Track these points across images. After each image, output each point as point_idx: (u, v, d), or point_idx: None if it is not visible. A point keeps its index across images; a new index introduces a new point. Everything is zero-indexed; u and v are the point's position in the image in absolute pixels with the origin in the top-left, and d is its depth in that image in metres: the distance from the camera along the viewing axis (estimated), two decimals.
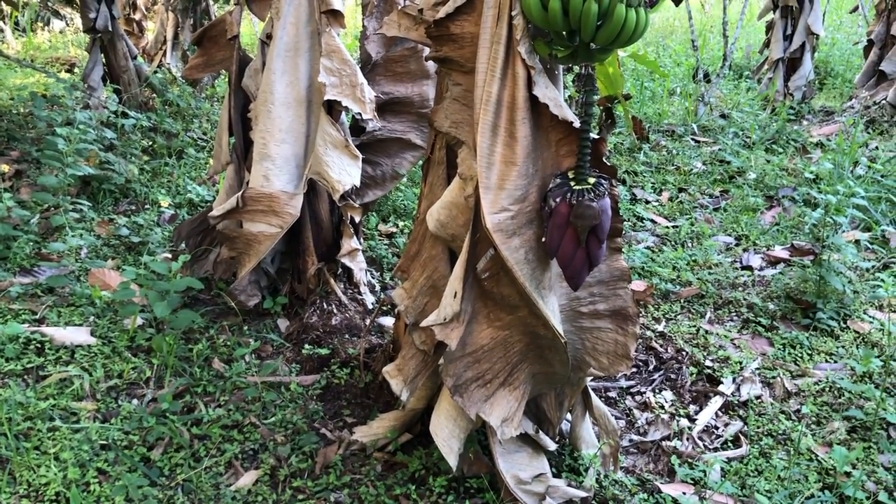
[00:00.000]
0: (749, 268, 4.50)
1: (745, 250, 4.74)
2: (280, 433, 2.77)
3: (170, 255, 3.89)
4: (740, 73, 10.03)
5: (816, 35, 8.46)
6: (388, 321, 3.48)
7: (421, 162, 3.90)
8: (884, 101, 8.07)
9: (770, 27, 8.74)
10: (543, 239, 2.11)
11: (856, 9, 10.92)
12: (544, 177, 2.13)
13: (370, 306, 3.65)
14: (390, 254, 4.29)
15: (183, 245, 3.76)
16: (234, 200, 3.29)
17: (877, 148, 6.89)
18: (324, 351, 3.22)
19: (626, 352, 2.38)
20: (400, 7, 2.38)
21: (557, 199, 2.03)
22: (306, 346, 3.29)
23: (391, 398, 2.94)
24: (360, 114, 3.25)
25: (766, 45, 8.90)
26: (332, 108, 3.33)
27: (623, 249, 4.31)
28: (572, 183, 2.05)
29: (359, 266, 3.53)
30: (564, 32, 1.98)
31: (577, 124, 2.06)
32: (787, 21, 8.47)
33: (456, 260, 2.41)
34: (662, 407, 3.14)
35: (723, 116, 7.71)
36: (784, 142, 6.99)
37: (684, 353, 3.50)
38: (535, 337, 2.27)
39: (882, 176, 5.72)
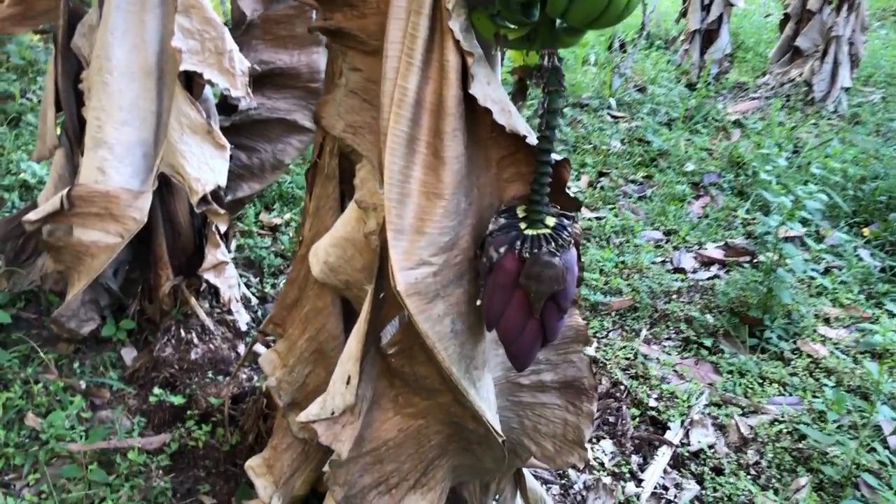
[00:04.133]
0: (681, 270, 4.01)
1: (675, 248, 4.26)
2: None
3: None
4: (651, 43, 9.61)
5: (732, 6, 8.09)
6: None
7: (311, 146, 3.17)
8: (798, 78, 7.81)
9: None
10: (479, 302, 1.47)
11: None
12: (481, 211, 1.47)
13: (244, 327, 2.92)
14: (272, 254, 3.55)
15: None
16: (56, 200, 2.48)
17: (795, 127, 6.57)
18: (178, 399, 2.48)
19: (579, 437, 1.78)
20: None
21: (501, 250, 1.38)
22: (156, 389, 2.55)
23: None
24: (228, 89, 2.50)
25: (683, 14, 8.48)
26: (192, 82, 2.56)
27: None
28: (523, 225, 1.40)
29: (227, 283, 2.80)
30: (521, 3, 1.32)
31: (531, 139, 1.41)
32: None
33: (351, 313, 1.74)
34: (602, 464, 2.59)
35: (639, 90, 7.24)
36: (703, 119, 6.58)
37: (622, 387, 2.95)
38: (459, 428, 1.63)
39: (808, 163, 5.36)
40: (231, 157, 2.82)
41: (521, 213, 1.42)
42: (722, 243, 4.30)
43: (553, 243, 1.36)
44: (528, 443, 1.82)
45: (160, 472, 2.26)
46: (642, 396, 2.90)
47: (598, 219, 4.49)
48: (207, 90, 2.66)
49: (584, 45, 7.60)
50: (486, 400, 1.55)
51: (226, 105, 2.89)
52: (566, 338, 1.75)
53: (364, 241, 1.55)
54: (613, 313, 3.50)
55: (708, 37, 8.16)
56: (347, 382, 1.48)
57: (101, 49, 2.48)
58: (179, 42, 2.42)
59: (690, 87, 7.52)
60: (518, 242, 1.37)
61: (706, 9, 8.04)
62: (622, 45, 8.19)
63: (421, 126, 1.34)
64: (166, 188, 2.69)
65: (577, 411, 1.79)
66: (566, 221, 1.42)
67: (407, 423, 1.62)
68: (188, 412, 2.46)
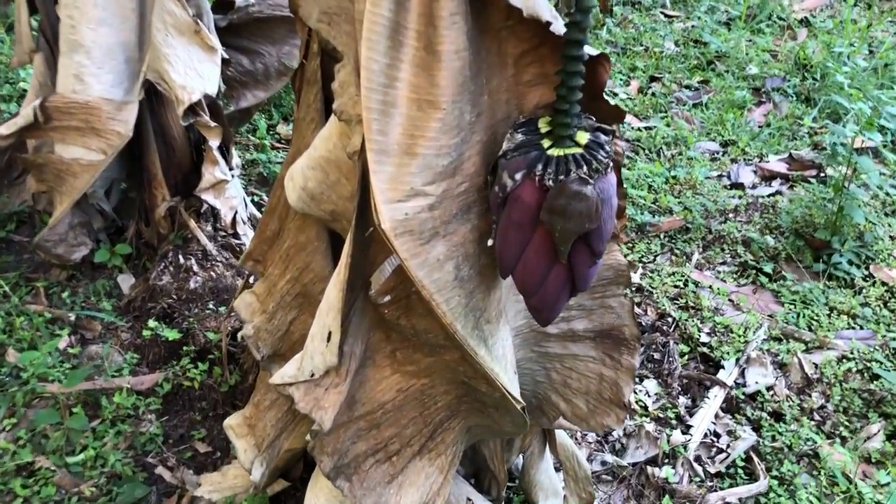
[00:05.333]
0: (740, 186, 3.62)
1: (733, 161, 3.85)
2: (89, 480, 1.85)
3: None
4: None
5: None
6: None
7: None
8: None
9: None
10: (490, 241, 1.16)
11: None
12: (493, 125, 1.15)
13: None
14: None
15: None
16: (29, 112, 2.21)
17: (870, 26, 5.96)
18: (172, 334, 2.25)
19: (618, 396, 1.49)
20: None
21: (517, 176, 1.06)
22: (151, 321, 2.32)
23: None
24: None
25: None
26: None
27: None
28: (546, 143, 1.07)
29: (228, 204, 2.52)
30: None
31: (557, 27, 1.06)
32: None
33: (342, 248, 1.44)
34: (645, 408, 2.31)
35: None
36: (766, 18, 6.00)
37: (670, 319, 2.64)
38: (471, 389, 1.35)
39: (885, 65, 4.83)
40: (230, 61, 2.52)
41: (543, 126, 1.09)
42: (786, 155, 3.88)
43: (585, 166, 1.03)
44: (557, 399, 1.54)
45: (151, 415, 2.05)
46: (692, 330, 2.59)
47: (648, 129, 4.09)
48: None
49: None
50: (500, 359, 1.26)
51: (222, 2, 2.56)
52: (603, 279, 1.44)
53: (349, 164, 1.24)
54: (662, 235, 3.16)
55: None
56: (328, 339, 1.20)
57: None
58: None
59: None
60: (539, 166, 1.05)
61: None
62: None
63: (408, 9, 1.01)
64: (156, 98, 2.40)
65: (616, 365, 1.49)
66: (603, 137, 1.09)
67: (408, 382, 1.34)
68: (184, 348, 2.23)
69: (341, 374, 1.25)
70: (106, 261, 2.51)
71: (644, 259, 3.00)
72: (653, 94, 4.53)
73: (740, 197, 3.49)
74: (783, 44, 5.47)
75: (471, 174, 1.12)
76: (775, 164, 3.81)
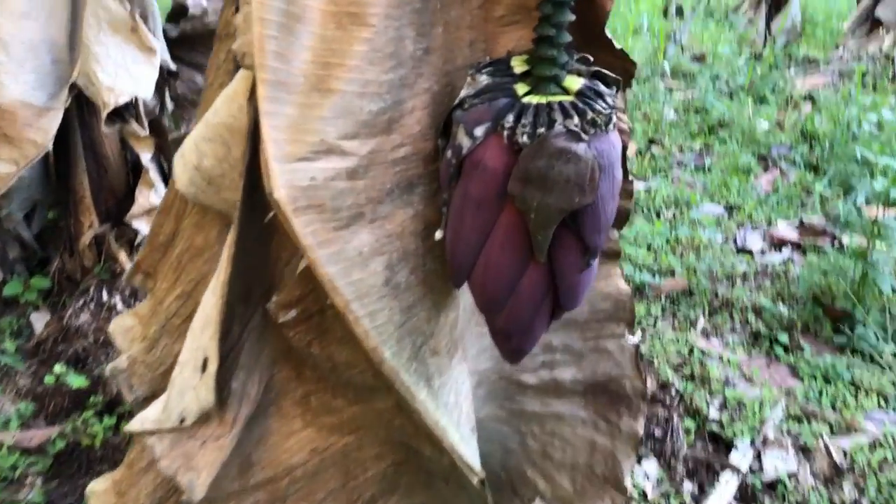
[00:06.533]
0: (747, 251, 3.30)
1: (739, 226, 3.54)
2: None
3: None
4: (711, 13, 8.82)
5: None
6: None
7: None
8: (877, 53, 6.98)
9: None
10: (440, 233, 0.81)
11: None
12: (450, 73, 0.82)
13: None
14: None
15: None
16: None
17: (875, 104, 5.77)
18: (80, 381, 1.87)
19: (614, 473, 1.12)
20: None
21: (479, 132, 0.73)
22: (58, 366, 1.94)
23: None
24: None
25: None
26: None
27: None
28: (522, 88, 0.74)
29: None
30: None
31: None
32: None
33: None
34: (644, 495, 1.92)
35: (697, 59, 6.49)
36: (770, 91, 5.82)
37: (673, 391, 2.28)
38: (413, 454, 0.98)
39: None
40: (178, 75, 2.22)
41: (518, 66, 0.77)
42: (796, 221, 3.58)
43: (577, 117, 0.70)
44: (533, 475, 1.17)
45: (36, 479, 1.66)
46: (700, 404, 2.22)
47: (648, 190, 3.79)
48: None
49: (636, 11, 6.88)
50: (451, 409, 0.90)
51: (176, 11, 2.28)
52: (598, 312, 1.09)
53: None
54: (663, 297, 2.82)
55: (776, 5, 7.38)
56: (203, 368, 0.84)
57: None
58: None
59: (756, 57, 6.76)
60: (510, 117, 0.72)
61: None
62: (679, 10, 7.44)
63: None
64: (88, 108, 2.08)
65: (612, 430, 1.13)
66: (604, 89, 0.76)
67: (326, 440, 0.97)
68: (91, 399, 1.85)
69: (225, 421, 0.88)
70: (17, 294, 2.16)
71: (643, 322, 2.65)
72: (652, 156, 4.26)
73: (748, 263, 3.17)
74: (787, 115, 5.25)
75: (414, 135, 0.79)
76: (785, 230, 3.50)
